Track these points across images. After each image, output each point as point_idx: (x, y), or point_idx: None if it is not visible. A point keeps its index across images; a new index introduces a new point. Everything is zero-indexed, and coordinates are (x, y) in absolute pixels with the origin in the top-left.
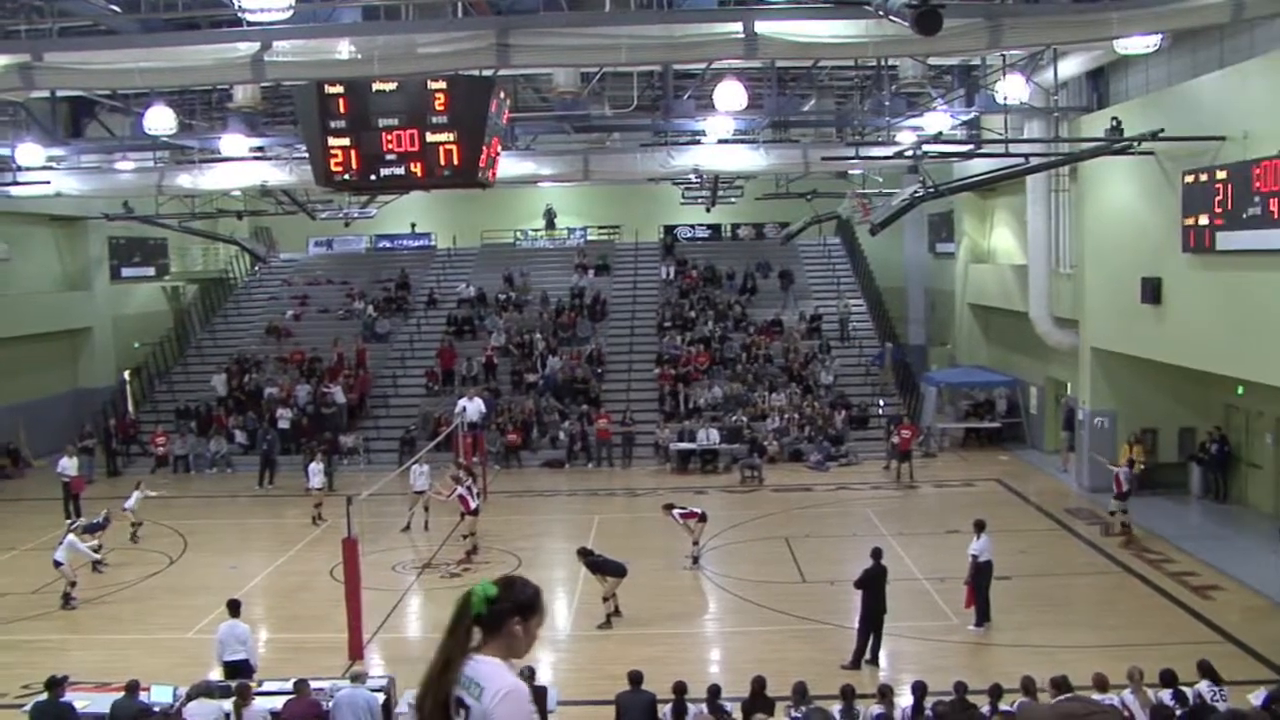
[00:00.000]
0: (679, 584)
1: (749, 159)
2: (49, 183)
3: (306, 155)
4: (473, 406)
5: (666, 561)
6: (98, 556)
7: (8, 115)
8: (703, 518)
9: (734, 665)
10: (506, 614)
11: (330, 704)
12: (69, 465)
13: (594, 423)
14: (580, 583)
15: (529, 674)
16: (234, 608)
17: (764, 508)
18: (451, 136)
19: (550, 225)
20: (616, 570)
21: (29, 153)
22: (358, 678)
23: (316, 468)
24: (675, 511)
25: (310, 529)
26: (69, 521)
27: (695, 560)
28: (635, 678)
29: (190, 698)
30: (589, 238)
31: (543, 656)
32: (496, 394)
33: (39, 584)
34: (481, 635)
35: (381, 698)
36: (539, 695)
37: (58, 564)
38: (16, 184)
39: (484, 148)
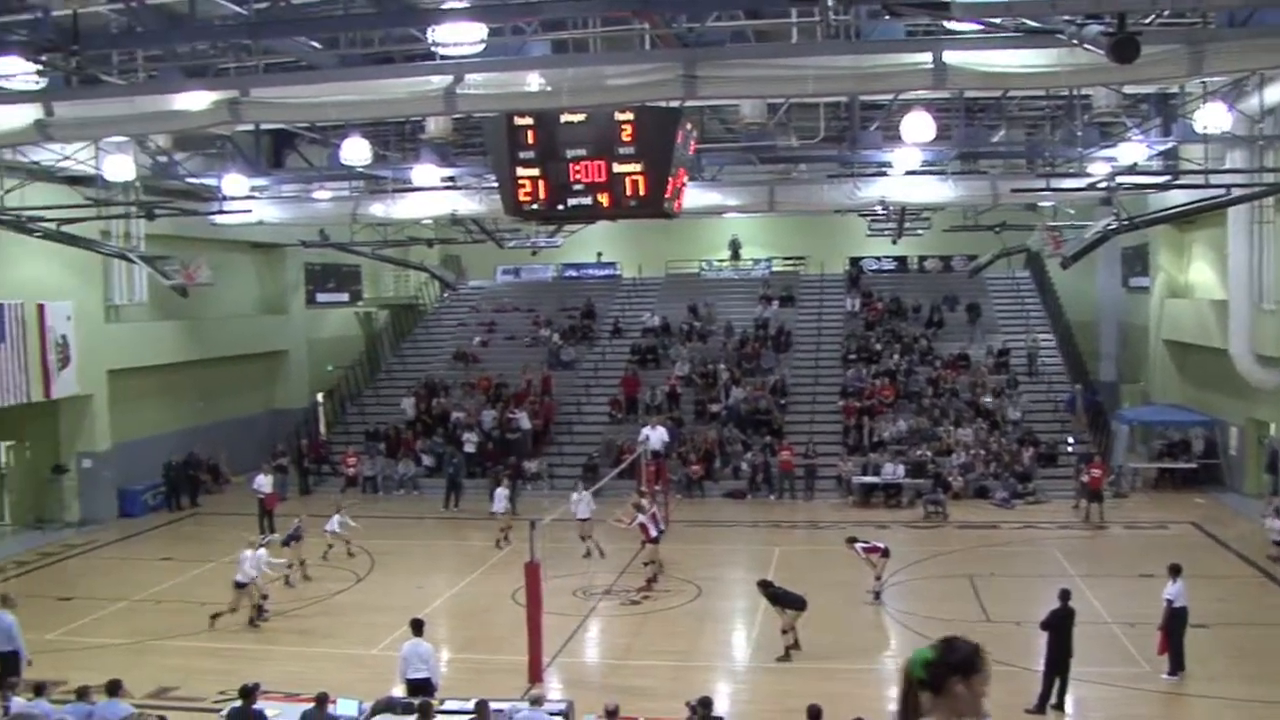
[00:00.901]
0: (860, 619)
1: (936, 191)
2: (251, 211)
3: (496, 185)
4: (655, 435)
5: (847, 596)
6: (287, 570)
7: (215, 148)
8: (885, 553)
9: None
10: (946, 675)
11: None
12: (264, 482)
13: (777, 454)
14: (760, 615)
15: (704, 704)
16: (417, 627)
17: (947, 544)
18: (638, 167)
19: (735, 256)
20: (796, 603)
21: (234, 183)
22: (537, 701)
23: (502, 492)
24: (858, 545)
25: (494, 552)
26: (261, 536)
27: (877, 595)
28: (814, 712)
29: (374, 712)
30: (774, 269)
31: (721, 688)
32: (679, 423)
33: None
34: (929, 700)
35: None
36: None
37: (240, 585)
38: (222, 212)
39: (670, 178)
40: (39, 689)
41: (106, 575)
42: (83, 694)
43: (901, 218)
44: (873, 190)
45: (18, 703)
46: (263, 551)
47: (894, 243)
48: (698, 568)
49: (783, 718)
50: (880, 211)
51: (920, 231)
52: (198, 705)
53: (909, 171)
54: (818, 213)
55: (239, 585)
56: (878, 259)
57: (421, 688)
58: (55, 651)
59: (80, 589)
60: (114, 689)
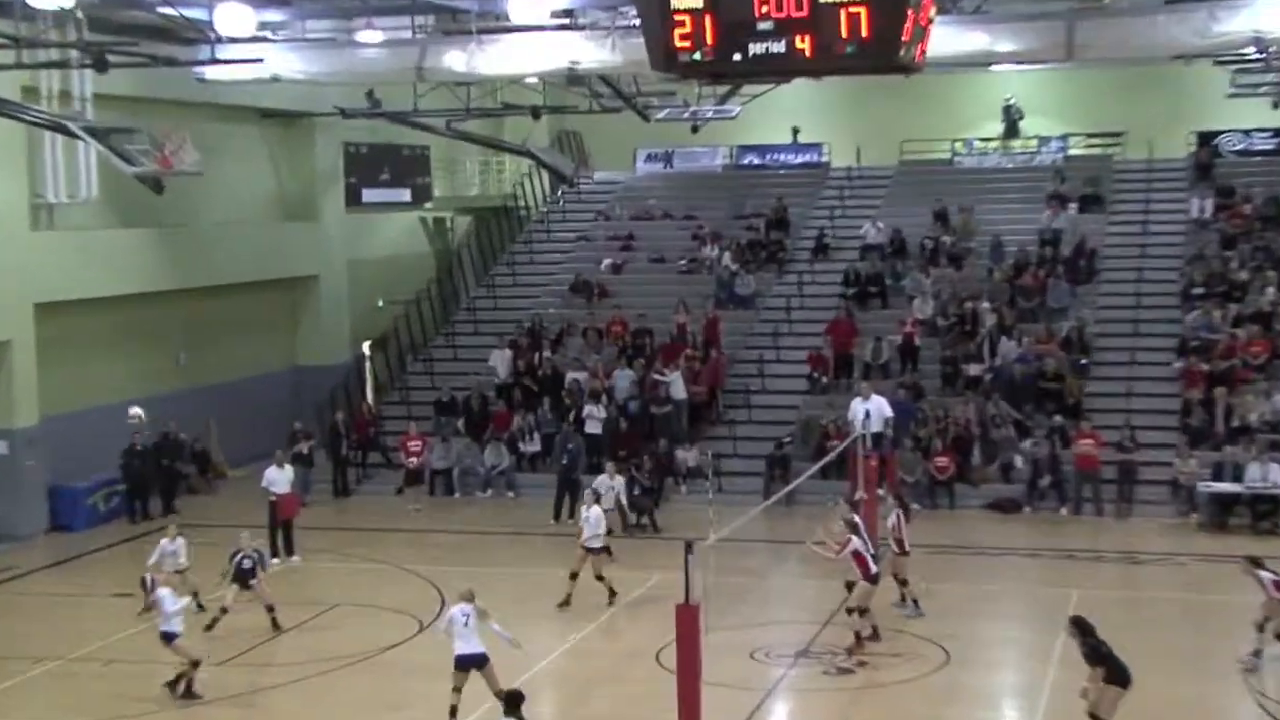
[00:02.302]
0: (1225, 708)
1: None
2: (261, 61)
3: (637, 24)
4: (876, 411)
5: (1196, 671)
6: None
7: None
8: None
9: None
10: None
11: None
12: (279, 478)
13: (1071, 444)
14: (1048, 691)
15: None
16: (513, 703)
17: None
18: None
19: (1011, 133)
20: (1119, 675)
21: (233, 16)
22: None
23: (607, 482)
24: (1265, 575)
25: (632, 586)
26: (275, 560)
27: (1255, 657)
28: None
29: None
30: (1070, 152)
31: None
32: (918, 393)
33: (232, 649)
34: None
35: None
36: None
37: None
38: (215, 62)
39: (909, 11)
40: None
41: (31, 621)
42: None
43: None
44: (1238, 21)
45: None
46: (162, 592)
47: (1276, 107)
48: (945, 618)
49: None
50: (1253, 57)
51: None
52: None
53: None
54: (1144, 62)
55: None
56: (1245, 134)
57: None
58: None
59: None
60: None
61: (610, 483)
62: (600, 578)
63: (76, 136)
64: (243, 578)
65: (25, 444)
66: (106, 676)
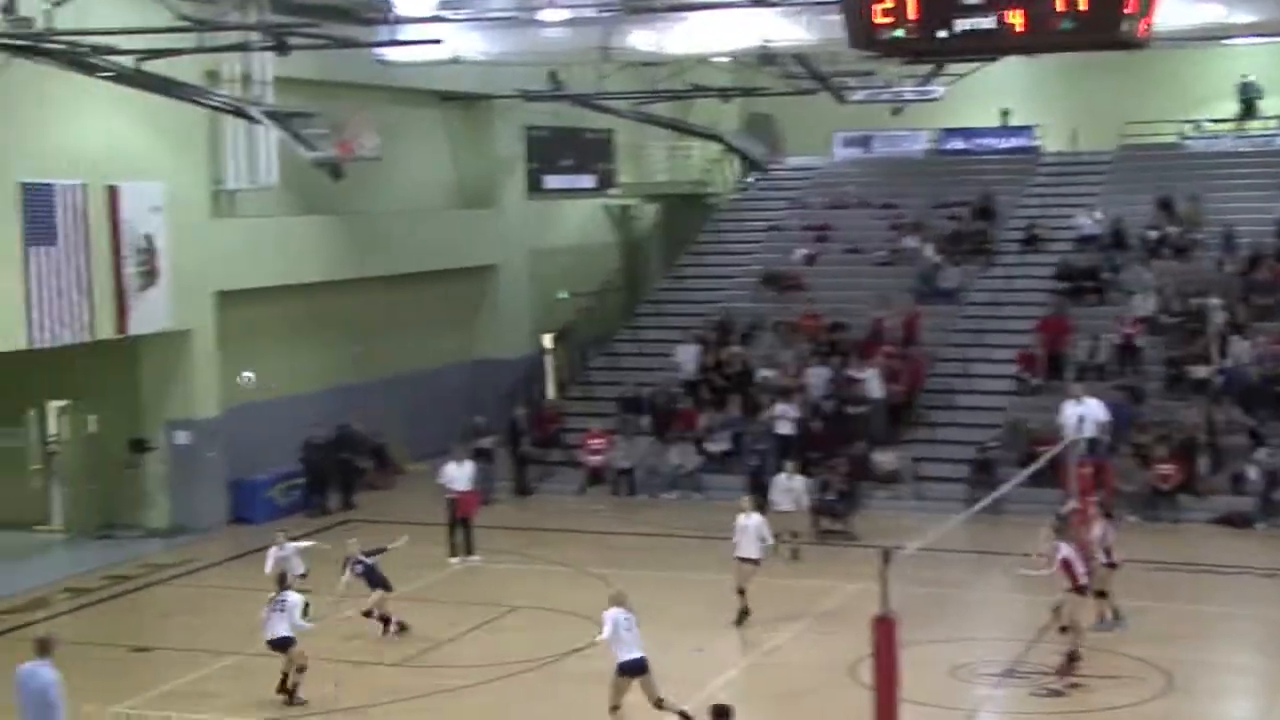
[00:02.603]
0: None
1: None
2: (441, 42)
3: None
4: (1092, 414)
5: None
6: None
7: None
8: None
9: None
10: None
11: None
12: (458, 475)
13: None
14: None
15: None
16: (721, 716)
17: None
18: None
19: (1247, 113)
20: None
21: None
22: None
23: (785, 482)
24: None
25: (821, 598)
26: (456, 559)
27: None
28: None
29: None
30: None
31: None
32: (1138, 396)
33: (409, 649)
34: None
35: None
36: None
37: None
38: (395, 43)
39: None
40: None
41: (209, 614)
42: None
43: None
44: None
45: None
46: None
47: None
48: (1168, 640)
49: None
50: None
51: None
52: None
53: None
54: None
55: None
56: None
57: None
58: None
59: (167, 635)
60: None
61: (789, 484)
62: (741, 591)
63: (257, 121)
64: (379, 582)
65: (207, 436)
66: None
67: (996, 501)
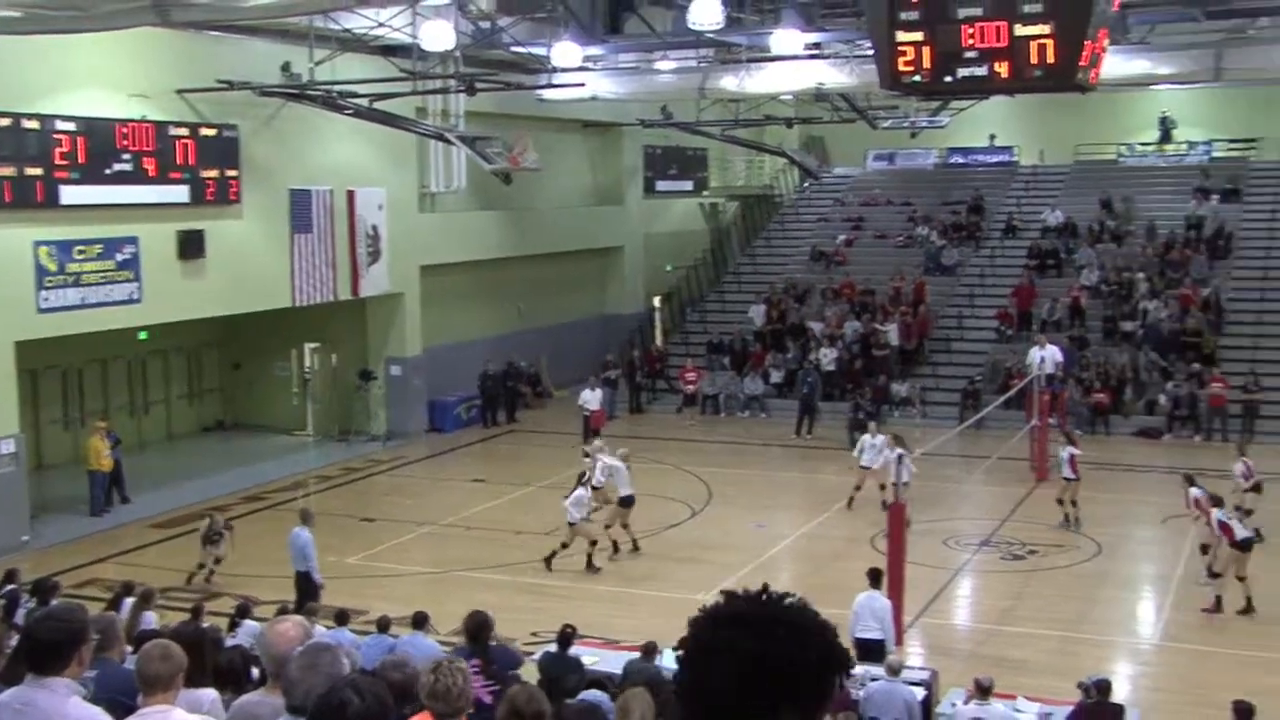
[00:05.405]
0: None
1: None
2: (584, 85)
3: (870, 53)
4: (1049, 356)
5: None
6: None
7: (544, 12)
8: None
9: None
10: None
11: (861, 693)
12: (591, 398)
13: (1205, 386)
14: (1175, 584)
15: (1100, 688)
16: (875, 578)
17: None
18: (1047, 29)
19: (1165, 138)
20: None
21: (565, 53)
22: (894, 669)
23: (874, 443)
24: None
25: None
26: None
27: None
28: (1244, 711)
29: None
30: (1214, 154)
31: (1120, 669)
32: (1083, 343)
33: (552, 525)
34: None
35: (921, 693)
36: (1114, 712)
37: (571, 524)
38: (551, 86)
39: (1087, 42)
40: (341, 617)
41: (413, 496)
42: (384, 626)
43: None
44: None
45: (249, 627)
46: (580, 493)
47: None
48: (1100, 521)
49: (1199, 714)
50: None
51: None
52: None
53: None
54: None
55: (571, 524)
56: None
57: (873, 650)
58: (355, 577)
59: (385, 510)
60: (419, 623)
61: (873, 441)
62: (883, 487)
63: (451, 143)
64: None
65: (413, 369)
66: (467, 538)
67: (980, 420)
